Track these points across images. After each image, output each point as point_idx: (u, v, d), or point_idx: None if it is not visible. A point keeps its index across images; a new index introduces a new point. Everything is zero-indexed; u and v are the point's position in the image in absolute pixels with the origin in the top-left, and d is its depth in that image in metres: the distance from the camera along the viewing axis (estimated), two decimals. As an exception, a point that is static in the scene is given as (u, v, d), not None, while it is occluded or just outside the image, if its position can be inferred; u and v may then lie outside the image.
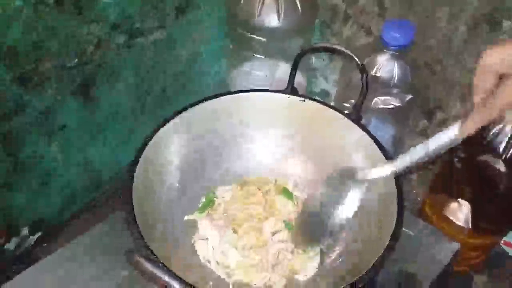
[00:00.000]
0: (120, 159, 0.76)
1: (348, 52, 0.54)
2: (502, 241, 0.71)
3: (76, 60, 0.62)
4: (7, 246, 0.65)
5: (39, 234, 0.68)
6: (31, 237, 0.67)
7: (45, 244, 0.68)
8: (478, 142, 0.61)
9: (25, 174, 0.64)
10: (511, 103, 0.37)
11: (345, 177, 0.49)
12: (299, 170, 0.62)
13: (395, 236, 0.45)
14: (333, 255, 0.54)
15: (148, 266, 0.37)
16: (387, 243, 0.44)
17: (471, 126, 0.39)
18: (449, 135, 0.40)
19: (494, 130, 0.59)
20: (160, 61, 0.74)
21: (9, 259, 0.66)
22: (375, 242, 0.48)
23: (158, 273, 0.37)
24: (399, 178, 0.50)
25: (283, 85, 0.60)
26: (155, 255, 0.40)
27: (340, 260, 0.53)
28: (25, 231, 0.67)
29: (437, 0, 0.67)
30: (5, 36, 0.54)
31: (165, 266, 0.38)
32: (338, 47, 0.56)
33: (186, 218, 0.57)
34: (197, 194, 0.59)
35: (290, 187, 0.61)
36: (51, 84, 0.61)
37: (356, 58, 0.54)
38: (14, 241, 0.66)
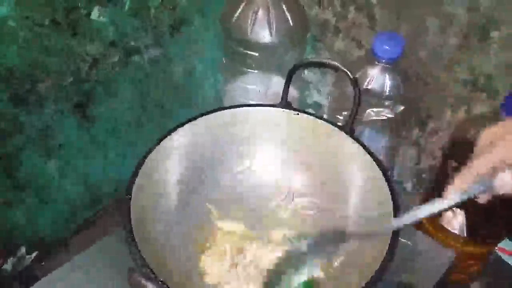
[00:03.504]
0: (120, 173, 0.76)
1: (340, 66, 0.55)
2: (497, 248, 0.71)
3: (73, 79, 0.63)
4: (5, 266, 0.65)
5: (36, 253, 0.68)
6: (27, 256, 0.67)
7: (44, 263, 0.68)
8: (471, 151, 0.61)
9: (23, 193, 0.64)
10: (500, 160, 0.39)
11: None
12: (295, 182, 0.63)
13: (392, 247, 0.45)
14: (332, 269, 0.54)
15: (148, 286, 0.37)
16: (384, 255, 0.45)
17: (459, 183, 0.42)
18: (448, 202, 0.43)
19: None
20: (156, 77, 0.75)
21: (7, 279, 0.65)
22: (372, 254, 0.48)
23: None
24: (395, 192, 0.50)
25: (277, 99, 0.61)
26: (154, 274, 0.40)
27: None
28: (22, 250, 0.67)
29: (426, 12, 0.68)
30: (2, 57, 0.55)
31: (166, 284, 0.38)
32: (330, 62, 0.56)
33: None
34: (195, 210, 0.59)
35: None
36: (48, 103, 0.61)
37: (348, 72, 0.54)
38: (11, 260, 0.66)
